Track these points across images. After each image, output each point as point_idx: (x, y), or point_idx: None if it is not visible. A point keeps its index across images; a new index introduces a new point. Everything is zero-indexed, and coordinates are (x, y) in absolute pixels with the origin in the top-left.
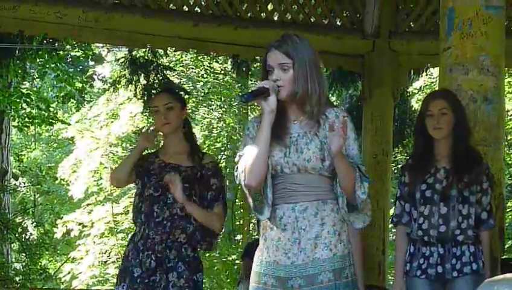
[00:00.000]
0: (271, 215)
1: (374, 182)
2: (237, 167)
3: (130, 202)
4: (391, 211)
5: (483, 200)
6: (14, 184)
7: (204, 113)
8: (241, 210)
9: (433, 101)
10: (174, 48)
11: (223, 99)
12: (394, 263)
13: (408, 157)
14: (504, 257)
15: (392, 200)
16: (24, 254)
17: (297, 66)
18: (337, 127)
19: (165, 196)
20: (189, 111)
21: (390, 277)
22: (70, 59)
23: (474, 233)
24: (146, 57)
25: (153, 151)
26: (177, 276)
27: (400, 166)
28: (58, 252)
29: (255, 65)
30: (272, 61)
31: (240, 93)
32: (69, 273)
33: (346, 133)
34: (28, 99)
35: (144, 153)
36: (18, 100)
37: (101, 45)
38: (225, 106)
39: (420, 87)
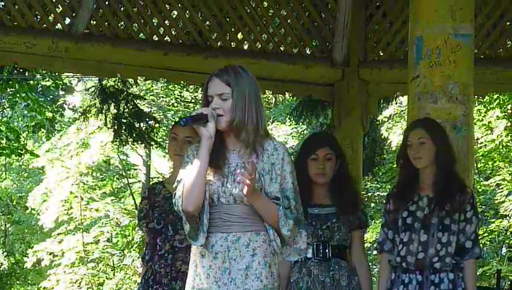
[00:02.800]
0: (204, 243)
1: (301, 217)
2: (175, 193)
3: (101, 231)
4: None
5: (467, 229)
6: None
7: None
8: None
9: (411, 131)
10: (144, 77)
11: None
12: None
13: (393, 186)
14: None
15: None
16: None
17: (236, 95)
18: (241, 176)
19: (166, 228)
20: (160, 140)
21: None
22: (40, 89)
23: (454, 261)
24: (116, 86)
25: (160, 181)
26: None
27: (369, 194)
28: (29, 281)
29: None
30: (212, 90)
31: (179, 118)
32: None
33: (253, 178)
34: None
35: (151, 183)
36: None
37: (71, 74)
38: None
39: (390, 116)
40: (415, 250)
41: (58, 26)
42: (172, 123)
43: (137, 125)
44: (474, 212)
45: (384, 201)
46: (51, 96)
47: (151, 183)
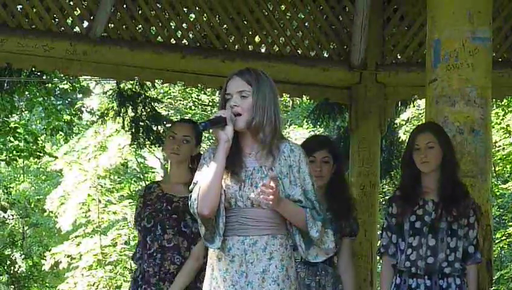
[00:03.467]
0: (221, 246)
1: (327, 217)
2: (191, 195)
3: (118, 234)
4: (379, 243)
5: (469, 234)
6: (3, 216)
7: None
8: None
9: (420, 135)
10: (161, 80)
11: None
12: None
13: (395, 189)
14: (492, 289)
15: (380, 232)
16: (13, 287)
17: (257, 94)
18: (264, 187)
19: (156, 227)
20: None
21: None
22: (58, 92)
23: (461, 266)
24: (134, 89)
25: (156, 181)
26: None
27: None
28: (47, 284)
29: None
30: (232, 88)
31: (198, 121)
32: None
33: (277, 185)
34: (15, 133)
35: (148, 183)
36: (6, 134)
37: (89, 77)
38: (213, 137)
39: (407, 119)
40: (424, 254)
41: (76, 29)
42: (172, 122)
43: (154, 128)
44: (476, 218)
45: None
46: (69, 99)
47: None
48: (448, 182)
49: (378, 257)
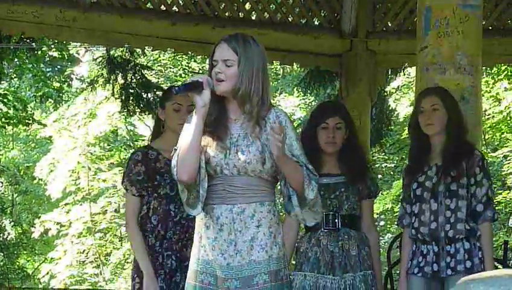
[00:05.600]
0: (208, 214)
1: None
2: (172, 161)
3: (108, 201)
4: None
5: (477, 193)
6: None
7: None
8: None
9: (425, 98)
10: (151, 47)
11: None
12: (400, 264)
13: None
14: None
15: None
16: (2, 254)
17: (243, 64)
18: (274, 131)
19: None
20: None
21: None
22: (48, 59)
23: (468, 227)
24: (124, 57)
25: (146, 146)
26: None
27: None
28: (37, 251)
29: None
30: (218, 55)
31: (171, 86)
32: (47, 273)
33: (284, 134)
34: (5, 100)
35: (138, 147)
36: None
37: (79, 44)
38: None
39: (398, 87)
40: (427, 220)
41: None
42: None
43: (144, 95)
44: (484, 174)
45: (392, 173)
46: (59, 67)
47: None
48: (452, 144)
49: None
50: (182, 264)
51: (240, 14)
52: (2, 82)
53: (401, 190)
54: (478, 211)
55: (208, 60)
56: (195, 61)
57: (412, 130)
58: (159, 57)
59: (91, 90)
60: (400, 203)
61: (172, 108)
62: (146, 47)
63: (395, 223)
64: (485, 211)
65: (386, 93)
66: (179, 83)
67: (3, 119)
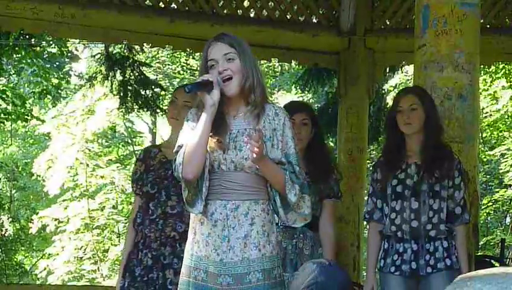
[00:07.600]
0: (202, 210)
1: (305, 182)
2: (175, 159)
3: (106, 198)
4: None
5: (455, 196)
6: None
7: None
8: None
9: (403, 97)
10: (150, 44)
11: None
12: (366, 260)
13: (380, 154)
14: (478, 253)
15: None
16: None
17: (243, 56)
18: (248, 142)
19: (160, 193)
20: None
21: (365, 273)
22: (46, 55)
23: (446, 228)
24: (122, 53)
25: (157, 144)
26: (173, 273)
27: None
28: (34, 248)
29: None
30: (216, 53)
31: (184, 84)
32: (45, 269)
33: (262, 140)
34: (3, 96)
35: (147, 146)
36: None
37: (77, 40)
38: None
39: (395, 85)
40: (407, 218)
41: None
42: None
43: (143, 92)
44: (462, 178)
45: None
46: (57, 63)
47: (146, 146)
48: (431, 144)
49: (364, 223)
50: (159, 262)
51: (239, 11)
52: (1, 78)
53: (370, 185)
54: (456, 214)
55: (199, 63)
56: (193, 58)
57: (389, 128)
58: (158, 54)
59: (89, 86)
60: (367, 197)
61: (170, 100)
62: (144, 44)
63: (363, 217)
64: (462, 214)
65: (384, 91)
66: (189, 82)
67: (1, 115)
